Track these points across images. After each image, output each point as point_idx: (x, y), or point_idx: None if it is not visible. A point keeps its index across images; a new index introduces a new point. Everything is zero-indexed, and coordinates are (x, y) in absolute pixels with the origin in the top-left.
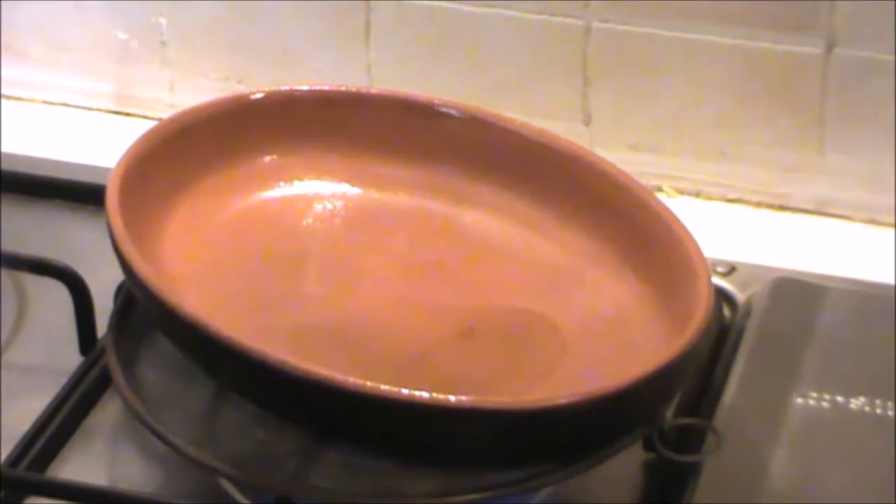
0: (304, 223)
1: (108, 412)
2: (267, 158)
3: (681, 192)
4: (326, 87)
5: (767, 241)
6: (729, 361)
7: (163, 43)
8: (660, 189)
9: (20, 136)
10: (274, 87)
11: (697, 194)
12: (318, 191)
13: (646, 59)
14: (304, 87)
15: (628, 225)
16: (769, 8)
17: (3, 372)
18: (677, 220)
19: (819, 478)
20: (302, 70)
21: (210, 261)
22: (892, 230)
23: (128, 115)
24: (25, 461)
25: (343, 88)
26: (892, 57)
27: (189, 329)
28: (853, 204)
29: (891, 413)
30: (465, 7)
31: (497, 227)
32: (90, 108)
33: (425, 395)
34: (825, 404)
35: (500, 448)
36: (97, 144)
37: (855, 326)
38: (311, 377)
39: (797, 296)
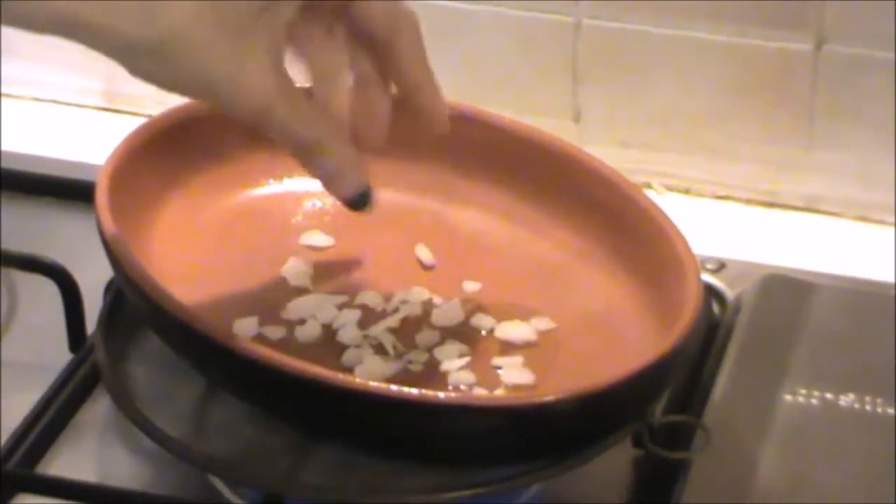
0: (294, 220)
1: (97, 409)
2: (256, 155)
3: (670, 188)
4: None
5: (757, 237)
6: (718, 358)
7: None
8: (649, 186)
9: (9, 132)
10: None
11: (687, 191)
12: (307, 188)
13: (636, 56)
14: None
15: (618, 222)
16: (759, 5)
17: None
18: (667, 217)
19: (809, 475)
20: (295, 68)
21: (200, 258)
22: (883, 227)
23: (117, 111)
24: (15, 458)
25: None
26: (882, 53)
27: (178, 326)
28: (844, 201)
29: (880, 410)
30: (455, 4)
31: (486, 225)
32: (80, 105)
33: (414, 391)
34: (815, 401)
35: (490, 445)
36: (87, 141)
37: (845, 323)
38: (301, 374)
39: (787, 293)
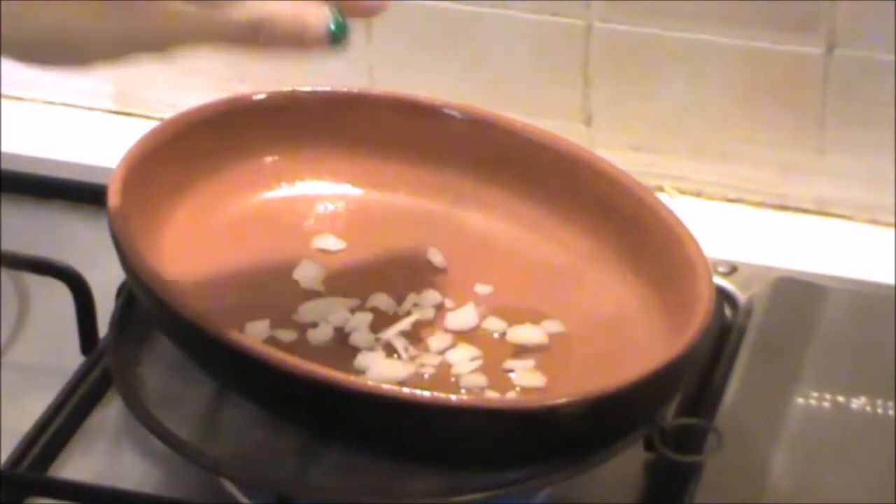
0: (306, 224)
1: (109, 412)
2: (268, 159)
3: (682, 192)
4: (328, 89)
5: (768, 240)
6: (730, 361)
7: None
8: (661, 189)
9: (21, 136)
10: (276, 88)
11: (698, 194)
12: (319, 191)
13: (647, 59)
14: (306, 88)
15: (629, 225)
16: (770, 8)
17: (4, 372)
18: (678, 221)
19: (819, 477)
20: (303, 71)
21: (211, 261)
22: (893, 230)
23: (129, 114)
24: (27, 461)
25: (345, 89)
26: (893, 57)
27: (190, 328)
28: (854, 204)
29: (891, 413)
30: (467, 7)
31: (498, 228)
32: (91, 108)
33: (426, 394)
34: (826, 404)
35: (501, 448)
36: (98, 144)
37: (856, 326)
38: (313, 377)
39: (798, 296)
